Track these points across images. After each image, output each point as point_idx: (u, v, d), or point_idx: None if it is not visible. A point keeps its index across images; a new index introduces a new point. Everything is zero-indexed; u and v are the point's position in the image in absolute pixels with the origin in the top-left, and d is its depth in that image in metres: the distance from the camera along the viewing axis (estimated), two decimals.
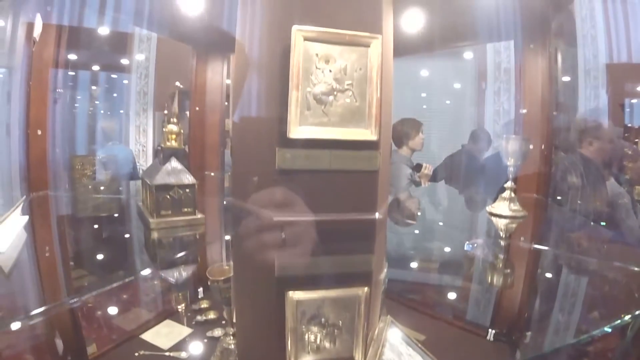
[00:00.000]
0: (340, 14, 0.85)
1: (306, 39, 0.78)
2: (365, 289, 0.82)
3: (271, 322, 0.81)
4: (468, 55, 5.16)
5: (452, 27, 2.01)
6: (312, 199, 0.83)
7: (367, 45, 0.82)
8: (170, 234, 1.39)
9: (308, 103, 0.79)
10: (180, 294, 1.20)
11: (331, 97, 0.80)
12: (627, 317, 0.83)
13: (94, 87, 4.82)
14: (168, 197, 1.37)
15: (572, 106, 4.58)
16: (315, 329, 0.80)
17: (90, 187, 3.47)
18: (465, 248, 1.40)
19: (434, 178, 3.45)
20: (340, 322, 0.81)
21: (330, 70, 0.80)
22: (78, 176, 3.57)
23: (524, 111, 2.17)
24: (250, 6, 1.01)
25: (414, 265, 1.44)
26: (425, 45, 2.36)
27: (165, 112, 1.36)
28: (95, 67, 4.74)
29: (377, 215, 0.88)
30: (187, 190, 1.39)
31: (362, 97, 0.82)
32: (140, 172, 4.32)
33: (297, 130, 0.78)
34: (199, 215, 1.43)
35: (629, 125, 4.06)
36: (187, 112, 2.76)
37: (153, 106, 5.07)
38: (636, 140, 3.71)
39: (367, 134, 0.83)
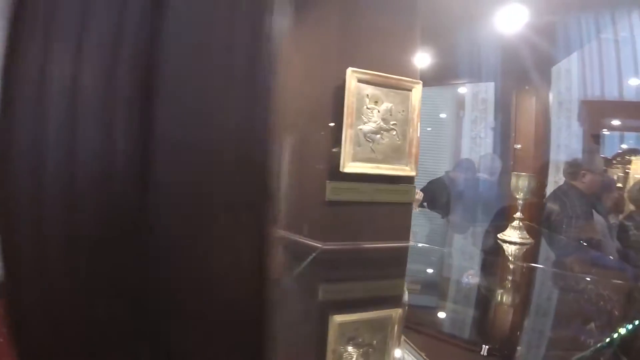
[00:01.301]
0: (384, 60, 0.93)
1: (359, 80, 0.86)
2: (399, 310, 0.89)
3: (310, 343, 0.87)
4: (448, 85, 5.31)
5: (444, 67, 2.10)
6: (355, 229, 0.90)
7: (410, 90, 0.91)
8: None
9: (358, 140, 0.86)
10: None
11: (379, 135, 0.88)
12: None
13: None
14: None
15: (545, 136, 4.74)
16: (351, 349, 0.86)
17: None
18: (463, 282, 1.47)
19: None
20: (375, 341, 0.87)
21: (378, 111, 0.88)
22: None
23: (518, 146, 2.27)
24: (298, 45, 1.08)
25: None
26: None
27: None
28: None
29: (410, 242, 0.95)
30: None
31: (404, 136, 0.90)
32: None
33: (350, 165, 0.85)
34: None
35: (602, 156, 4.23)
36: None
37: None
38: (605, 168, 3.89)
39: (407, 170, 0.91)
